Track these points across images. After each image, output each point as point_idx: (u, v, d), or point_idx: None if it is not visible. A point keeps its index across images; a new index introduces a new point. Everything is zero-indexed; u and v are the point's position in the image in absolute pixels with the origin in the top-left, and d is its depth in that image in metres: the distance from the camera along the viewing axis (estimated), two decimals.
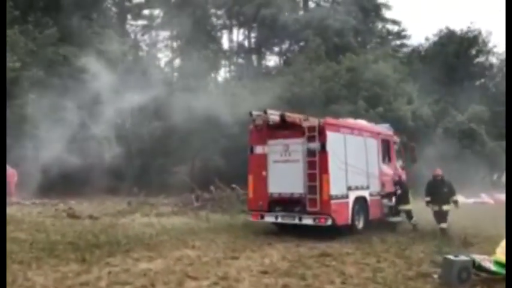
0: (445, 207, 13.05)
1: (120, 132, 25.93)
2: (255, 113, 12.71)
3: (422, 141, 27.27)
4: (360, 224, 12.93)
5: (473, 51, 51.56)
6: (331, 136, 11.96)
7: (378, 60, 32.26)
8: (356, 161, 12.94)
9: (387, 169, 14.82)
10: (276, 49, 53.01)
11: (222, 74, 48.30)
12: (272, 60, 54.48)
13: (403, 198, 15.17)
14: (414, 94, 35.37)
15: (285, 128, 12.44)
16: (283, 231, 12.90)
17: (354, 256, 9.73)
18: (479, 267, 7.50)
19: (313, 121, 12.16)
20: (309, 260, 9.29)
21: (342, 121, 13.32)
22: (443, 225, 12.86)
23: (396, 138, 15.90)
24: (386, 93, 30.45)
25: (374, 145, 14.14)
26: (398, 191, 14.35)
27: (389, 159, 15.03)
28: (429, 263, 9.00)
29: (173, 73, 42.24)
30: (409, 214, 14.22)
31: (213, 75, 35.55)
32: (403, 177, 15.85)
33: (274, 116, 12.42)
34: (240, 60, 53.22)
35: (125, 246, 10.62)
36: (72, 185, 24.00)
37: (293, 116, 12.50)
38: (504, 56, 50.85)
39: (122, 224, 15.01)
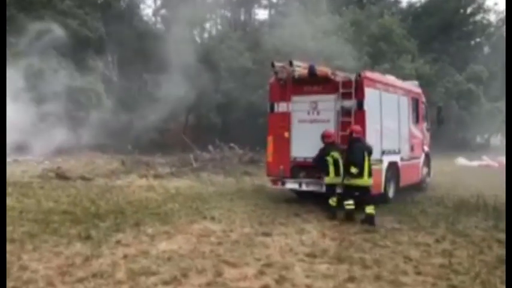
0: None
1: (107, 85, 23.79)
2: (277, 64, 10.96)
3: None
4: (391, 192, 11.59)
5: (470, 9, 49.79)
6: (368, 93, 10.38)
7: (383, 14, 30.32)
8: (390, 122, 11.44)
9: (416, 131, 13.41)
10: (264, 1, 50.19)
11: (208, 28, 45.67)
12: (260, 14, 51.66)
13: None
14: (415, 52, 33.82)
15: (313, 83, 10.79)
16: (303, 198, 11.53)
17: (404, 233, 8.37)
18: None
19: (349, 75, 10.52)
20: (356, 238, 7.90)
21: (378, 76, 11.70)
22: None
23: (423, 98, 14.42)
24: (390, 49, 28.74)
25: (405, 104, 12.63)
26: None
27: (418, 121, 13.58)
28: (496, 242, 7.69)
29: (161, 23, 39.61)
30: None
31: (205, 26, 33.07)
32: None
33: (301, 68, 10.73)
34: (227, 14, 50.28)
35: (132, 218, 9.08)
36: (57, 140, 22.02)
37: (324, 69, 10.83)
38: (504, 15, 49.52)
39: (119, 187, 13.45)
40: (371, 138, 10.39)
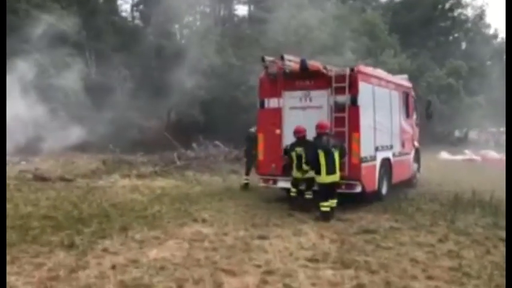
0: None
1: (86, 82, 22.96)
2: (268, 58, 10.51)
3: None
4: (384, 189, 11.29)
5: (449, 4, 50.11)
6: (362, 87, 10.03)
7: (365, 9, 30.16)
8: (382, 118, 11.13)
9: (407, 126, 13.15)
10: None
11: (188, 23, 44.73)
12: (239, 10, 51.05)
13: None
14: (397, 47, 33.83)
15: (305, 78, 10.38)
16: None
17: (405, 233, 8.06)
18: None
19: (342, 69, 10.15)
20: (356, 240, 7.54)
21: (371, 70, 11.36)
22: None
23: (413, 92, 14.18)
24: (373, 44, 28.59)
25: (397, 99, 12.35)
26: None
27: (408, 115, 13.32)
28: (500, 241, 7.43)
29: (139, 19, 38.67)
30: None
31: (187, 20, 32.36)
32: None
33: (293, 62, 10.32)
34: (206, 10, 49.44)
35: (118, 222, 8.54)
36: (33, 139, 21.14)
37: (316, 64, 10.44)
38: (481, 10, 50.14)
39: (101, 188, 12.84)
40: (366, 134, 10.08)
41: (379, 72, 11.94)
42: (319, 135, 9.52)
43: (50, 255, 6.39)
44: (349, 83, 9.83)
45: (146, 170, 16.43)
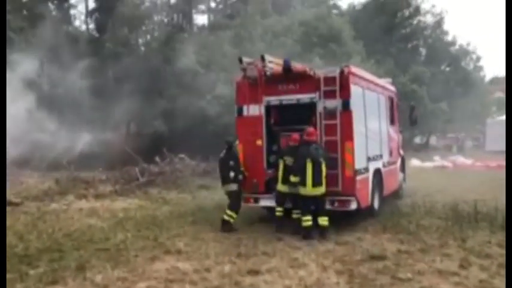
0: None
1: (36, 93, 20.91)
2: (246, 60, 9.23)
3: None
4: (376, 203, 10.16)
5: (408, 12, 50.57)
6: (354, 90, 8.91)
7: (331, 14, 29.52)
8: (372, 124, 10.07)
9: (393, 133, 12.17)
10: (202, 7, 48.32)
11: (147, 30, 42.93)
12: (198, 19, 49.68)
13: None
14: (363, 53, 33.36)
15: (288, 81, 9.17)
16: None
17: (417, 257, 6.91)
18: None
19: (330, 70, 9.01)
20: (366, 270, 6.32)
21: (361, 71, 10.26)
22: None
23: (396, 97, 13.27)
24: (340, 50, 27.87)
25: (383, 104, 11.34)
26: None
27: (393, 122, 12.34)
28: None
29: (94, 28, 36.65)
30: None
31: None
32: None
33: (274, 64, 9.10)
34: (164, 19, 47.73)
35: (72, 257, 6.99)
36: None
37: (300, 65, 9.27)
38: (440, 17, 50.90)
39: (54, 213, 11.16)
40: (359, 143, 8.95)
41: (368, 74, 10.86)
42: (307, 143, 8.35)
43: None
44: (340, 86, 8.68)
45: (105, 189, 14.76)
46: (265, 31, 26.70)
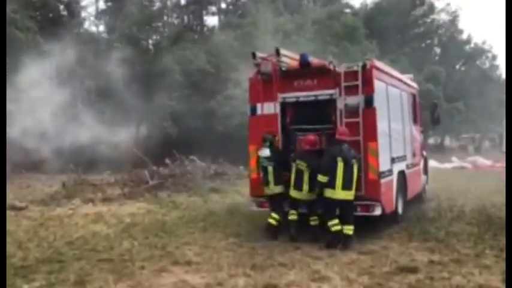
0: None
1: (45, 94, 20.48)
2: (259, 54, 8.62)
3: None
4: (400, 208, 9.44)
5: (422, 11, 49.62)
6: (378, 86, 8.23)
7: (344, 13, 28.82)
8: (396, 123, 9.38)
9: (416, 133, 11.44)
10: (213, 8, 47.79)
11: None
12: (209, 20, 49.05)
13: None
14: (377, 52, 32.58)
15: (305, 77, 8.51)
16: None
17: (452, 269, 6.20)
18: None
19: (351, 64, 8.34)
20: (397, 285, 5.64)
21: (385, 66, 9.58)
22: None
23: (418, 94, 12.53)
24: (355, 48, 27.17)
25: (406, 101, 10.63)
26: None
27: (416, 121, 11.61)
28: None
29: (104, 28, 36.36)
30: None
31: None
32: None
33: (290, 59, 8.46)
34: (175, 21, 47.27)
35: (73, 269, 6.40)
36: None
37: (318, 60, 8.63)
38: (455, 15, 49.87)
39: (58, 219, 10.59)
40: (383, 144, 8.26)
41: (391, 69, 10.16)
42: (338, 143, 7.66)
43: None
44: (363, 81, 8.00)
45: (113, 193, 14.19)
46: (276, 30, 26.07)
